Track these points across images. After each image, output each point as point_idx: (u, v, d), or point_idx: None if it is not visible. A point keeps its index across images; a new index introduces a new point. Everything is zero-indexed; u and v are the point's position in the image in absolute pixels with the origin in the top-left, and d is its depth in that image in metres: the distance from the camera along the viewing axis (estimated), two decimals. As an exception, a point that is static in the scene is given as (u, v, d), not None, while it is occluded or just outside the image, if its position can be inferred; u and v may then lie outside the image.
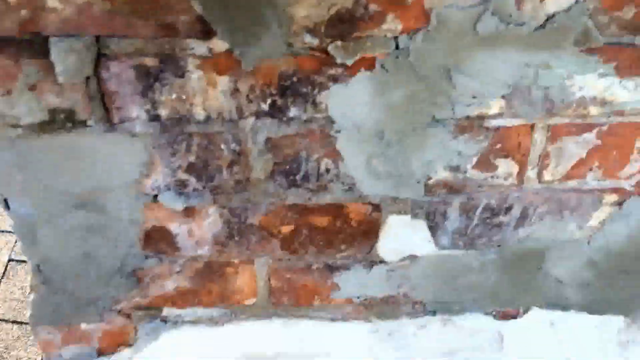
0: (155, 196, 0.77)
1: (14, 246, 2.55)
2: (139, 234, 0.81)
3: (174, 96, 0.69)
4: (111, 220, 0.79)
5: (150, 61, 0.66)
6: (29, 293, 0.87)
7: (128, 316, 0.89)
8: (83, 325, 0.89)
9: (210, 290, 0.87)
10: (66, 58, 0.64)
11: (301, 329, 0.92)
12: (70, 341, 0.91)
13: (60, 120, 0.69)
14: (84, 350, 0.92)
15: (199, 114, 0.71)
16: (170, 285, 0.86)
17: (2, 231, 2.58)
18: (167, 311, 0.90)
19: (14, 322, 2.33)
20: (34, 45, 0.64)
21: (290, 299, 0.90)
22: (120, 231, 0.80)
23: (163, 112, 0.70)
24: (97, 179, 0.75)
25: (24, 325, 2.34)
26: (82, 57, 0.65)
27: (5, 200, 0.77)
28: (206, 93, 0.69)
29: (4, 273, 2.45)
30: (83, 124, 0.70)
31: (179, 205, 0.78)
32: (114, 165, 0.74)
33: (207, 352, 0.93)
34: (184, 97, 0.69)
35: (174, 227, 0.80)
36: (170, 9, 0.63)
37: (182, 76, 0.67)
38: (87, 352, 0.93)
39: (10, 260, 2.50)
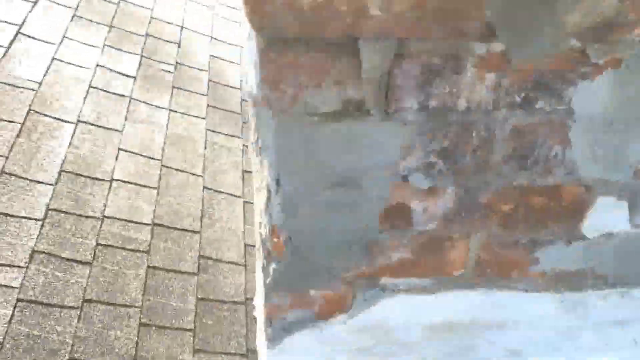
0: (405, 176, 0.90)
1: (99, 232, 2.68)
2: (381, 210, 0.94)
3: (446, 90, 0.82)
4: (362, 197, 0.92)
5: (436, 60, 0.80)
6: (269, 262, 1.00)
7: (350, 284, 1.02)
8: (312, 292, 1.02)
9: (427, 262, 1.00)
10: (372, 57, 0.78)
11: (497, 299, 1.05)
12: (296, 306, 1.04)
13: (350, 110, 0.83)
14: (306, 314, 1.05)
15: (462, 105, 0.84)
16: (394, 257, 0.99)
17: (89, 217, 2.71)
18: (384, 280, 1.02)
19: (108, 303, 2.46)
20: (345, 46, 0.78)
21: (493, 271, 1.02)
22: (367, 207, 0.93)
23: (432, 103, 0.83)
24: (361, 161, 0.88)
25: (117, 307, 2.46)
26: (384, 57, 0.78)
27: (277, 179, 0.90)
28: (473, 87, 0.82)
29: (93, 256, 2.57)
30: (367, 113, 0.83)
31: (425, 185, 0.91)
32: (379, 149, 0.87)
33: (414, 318, 1.06)
34: (454, 90, 0.82)
35: (414, 204, 0.93)
36: (465, 17, 0.76)
37: (458, 73, 0.81)
38: (308, 315, 1.06)
39: (98, 244, 2.63)
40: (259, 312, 1.38)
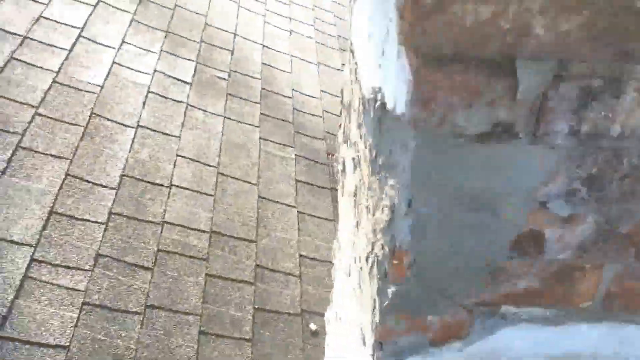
0: (543, 202, 0.86)
1: (160, 238, 2.65)
2: (514, 236, 0.89)
3: (602, 114, 0.77)
4: (496, 221, 0.87)
5: (596, 82, 0.75)
6: (386, 285, 0.96)
7: (469, 311, 0.98)
8: (429, 317, 0.98)
9: (554, 292, 0.95)
10: (530, 78, 0.74)
11: (624, 334, 0.99)
12: (411, 330, 1.00)
13: (498, 132, 0.79)
14: (419, 339, 1.01)
15: (615, 130, 0.79)
16: (520, 285, 0.95)
17: (149, 222, 2.69)
18: (505, 308, 0.98)
19: (169, 309, 2.42)
20: (501, 65, 0.74)
21: (621, 305, 0.97)
22: (499, 232, 0.89)
23: (584, 128, 0.79)
24: (501, 184, 0.84)
25: (178, 314, 2.42)
26: (543, 78, 0.74)
27: (410, 200, 0.86)
28: (631, 112, 0.77)
29: (155, 262, 2.55)
30: (515, 135, 0.79)
31: (566, 212, 0.86)
32: (522, 173, 0.83)
33: (533, 350, 1.01)
34: (610, 115, 0.78)
35: (549, 232, 0.89)
36: (633, 38, 0.71)
37: (617, 97, 0.76)
38: (421, 341, 1.01)
39: (159, 250, 2.61)
40: (338, 327, 1.35)
